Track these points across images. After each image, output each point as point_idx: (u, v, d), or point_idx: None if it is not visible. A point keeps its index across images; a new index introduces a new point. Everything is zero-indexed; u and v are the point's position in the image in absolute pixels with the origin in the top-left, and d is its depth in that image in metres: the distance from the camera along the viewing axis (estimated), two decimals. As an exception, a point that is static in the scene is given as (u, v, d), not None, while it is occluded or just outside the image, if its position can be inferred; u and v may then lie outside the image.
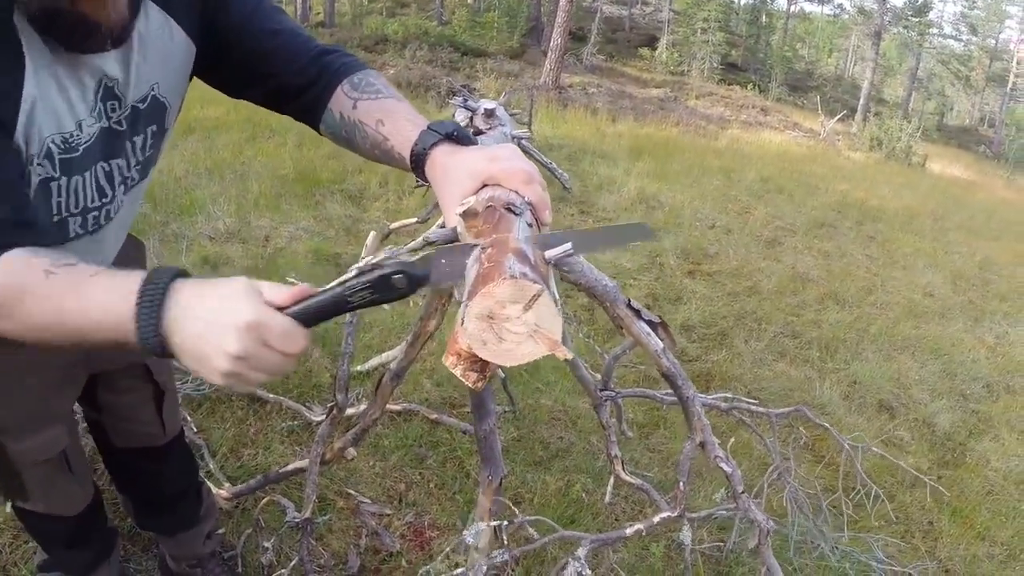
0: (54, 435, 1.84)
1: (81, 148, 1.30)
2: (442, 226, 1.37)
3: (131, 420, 2.11)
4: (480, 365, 0.92)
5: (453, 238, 1.15)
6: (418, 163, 1.26)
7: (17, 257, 1.05)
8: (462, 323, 0.89)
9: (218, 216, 5.99)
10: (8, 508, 2.07)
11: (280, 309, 0.97)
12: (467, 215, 1.07)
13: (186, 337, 0.95)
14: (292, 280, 3.39)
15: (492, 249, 0.96)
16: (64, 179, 1.30)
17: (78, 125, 1.28)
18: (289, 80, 1.42)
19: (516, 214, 1.07)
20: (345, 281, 0.98)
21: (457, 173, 1.18)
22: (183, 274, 1.00)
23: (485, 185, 1.15)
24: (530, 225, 1.08)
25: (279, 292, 0.98)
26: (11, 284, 1.03)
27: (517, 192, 1.14)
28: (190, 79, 1.50)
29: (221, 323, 0.94)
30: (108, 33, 1.18)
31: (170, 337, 0.96)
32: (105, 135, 1.34)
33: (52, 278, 1.02)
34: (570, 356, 0.90)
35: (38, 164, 1.24)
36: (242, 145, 8.34)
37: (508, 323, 0.88)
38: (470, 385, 0.93)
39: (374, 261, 1.00)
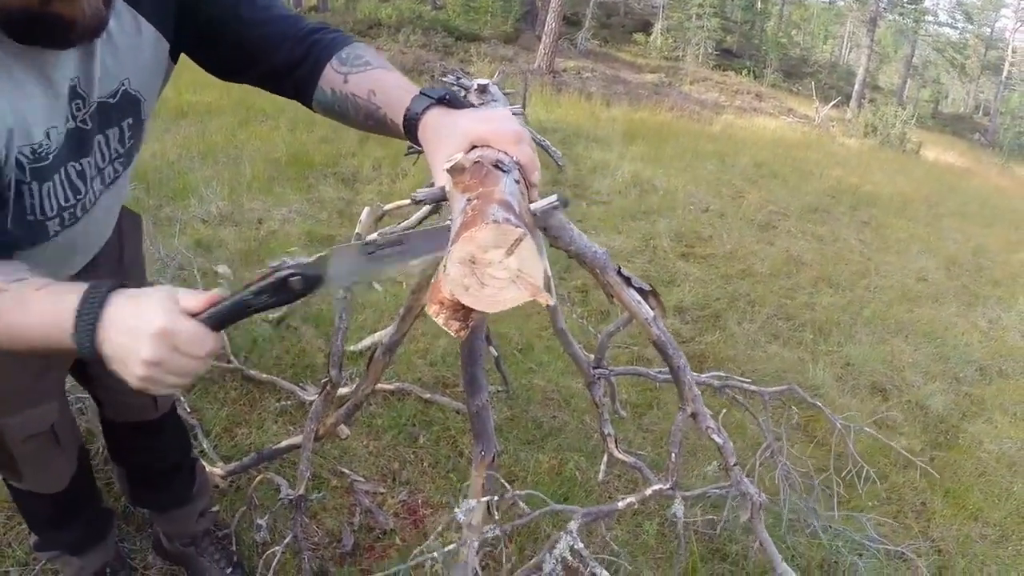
0: (45, 410, 1.85)
1: (51, 156, 1.29)
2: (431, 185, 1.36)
3: (123, 393, 2.11)
4: (463, 313, 0.91)
5: (442, 197, 1.14)
6: (411, 128, 1.26)
7: None
8: (444, 269, 0.89)
9: (211, 199, 5.97)
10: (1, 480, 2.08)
11: (195, 315, 1.04)
12: (454, 171, 1.07)
13: (112, 345, 1.03)
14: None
15: (477, 201, 0.96)
16: (35, 184, 1.30)
17: (46, 134, 1.27)
18: (279, 63, 1.41)
19: (504, 171, 1.06)
20: (249, 285, 1.04)
21: (448, 134, 1.18)
22: (122, 286, 1.08)
23: (475, 146, 1.15)
24: (517, 182, 1.07)
25: (193, 299, 1.05)
26: None
27: (506, 152, 1.13)
28: (168, 71, 1.50)
29: (137, 331, 1.02)
30: (84, 26, 1.16)
31: (101, 346, 1.04)
32: (72, 135, 1.33)
33: (3, 296, 1.09)
34: (552, 302, 0.90)
35: (8, 174, 1.24)
36: (235, 129, 8.31)
37: (490, 268, 0.88)
38: (452, 334, 0.93)
39: (274, 264, 1.04)
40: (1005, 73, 47.83)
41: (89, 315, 1.03)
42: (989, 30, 54.86)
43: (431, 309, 0.92)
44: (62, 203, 1.37)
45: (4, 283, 1.10)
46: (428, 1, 31.48)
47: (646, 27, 35.88)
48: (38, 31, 1.15)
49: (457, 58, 21.60)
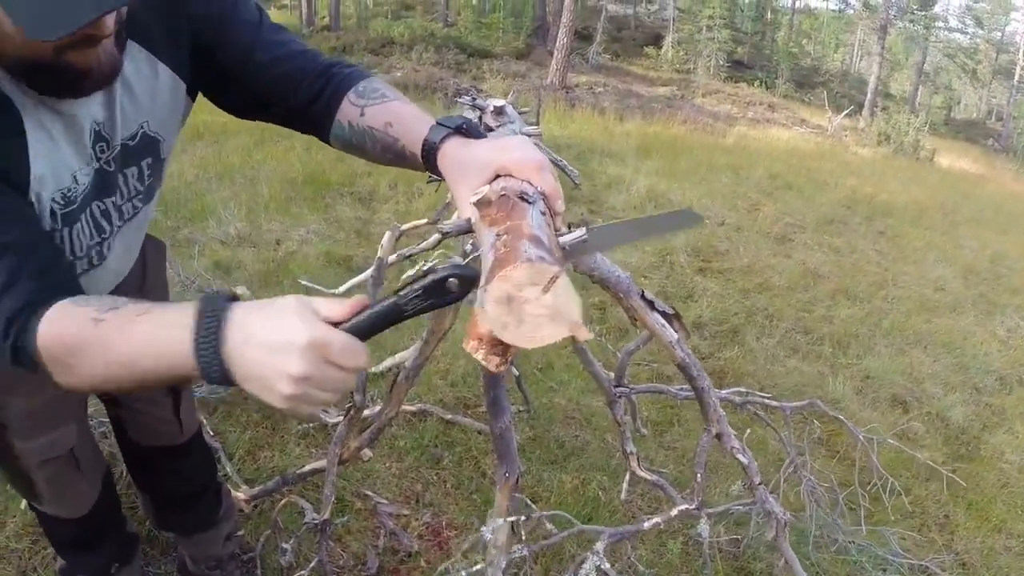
0: (62, 434, 1.86)
1: (79, 199, 1.32)
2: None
3: (149, 417, 2.13)
4: (502, 348, 0.91)
5: (468, 229, 1.15)
6: (429, 158, 1.26)
7: (62, 310, 1.05)
8: (482, 306, 0.88)
9: (229, 220, 6.01)
10: (23, 505, 2.09)
11: (336, 324, 0.95)
12: (481, 204, 1.07)
13: (247, 364, 0.93)
14: (305, 283, 3.40)
15: (507, 236, 0.96)
16: (65, 229, 1.32)
17: (74, 178, 1.29)
18: (295, 103, 1.43)
19: (529, 202, 1.07)
20: (399, 290, 0.96)
21: (469, 165, 1.19)
22: (233, 298, 0.99)
23: (498, 176, 1.15)
24: (543, 213, 1.08)
25: (334, 307, 0.96)
26: (62, 340, 1.04)
27: (529, 182, 1.13)
28: (187, 109, 1.51)
29: (281, 344, 0.91)
30: (100, 74, 1.18)
31: (231, 366, 0.94)
32: (97, 176, 1.36)
33: (101, 326, 1.01)
34: (590, 336, 0.90)
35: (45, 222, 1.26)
36: (251, 149, 8.37)
37: (527, 305, 0.87)
38: (492, 369, 0.93)
39: (426, 268, 1.00)
40: (1017, 77, 47.59)
41: (209, 331, 0.93)
42: (1000, 34, 54.62)
43: (470, 345, 0.92)
44: (89, 243, 1.40)
45: (99, 313, 1.02)
46: (440, 19, 31.63)
47: (657, 40, 35.95)
48: (54, 81, 1.17)
49: (470, 75, 21.70)
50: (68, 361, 1.04)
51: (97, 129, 1.31)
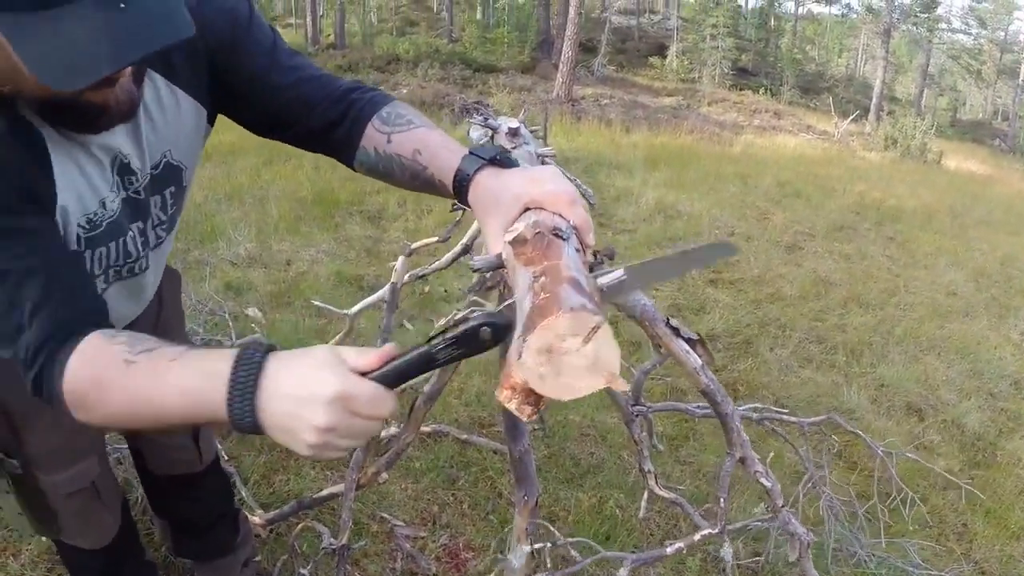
0: (86, 467, 1.85)
1: (104, 223, 1.32)
2: (467, 246, 1.35)
3: (168, 447, 2.13)
4: (535, 398, 0.90)
5: (499, 265, 1.14)
6: (461, 189, 1.25)
7: (93, 346, 1.06)
8: (519, 357, 0.86)
9: (239, 241, 6.04)
10: (43, 538, 2.09)
11: (364, 373, 0.96)
12: (516, 242, 1.05)
13: (275, 414, 0.95)
14: (317, 303, 3.40)
15: (545, 278, 0.94)
16: (88, 251, 1.33)
17: (101, 203, 1.30)
18: (314, 125, 1.42)
19: (563, 239, 1.05)
20: (431, 339, 0.96)
21: (500, 197, 1.17)
22: (272, 348, 1.00)
23: (528, 208, 1.14)
24: (577, 250, 1.06)
25: (363, 357, 0.97)
26: (92, 378, 1.05)
27: (561, 215, 1.12)
28: (206, 134, 1.53)
29: (308, 397, 0.93)
30: (118, 111, 1.19)
31: (260, 416, 0.96)
32: (128, 204, 1.37)
33: (132, 368, 1.02)
34: (627, 387, 0.89)
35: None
36: (260, 169, 8.40)
37: (567, 356, 0.85)
38: (524, 418, 0.91)
39: (458, 316, 0.99)
40: (1022, 77, 47.39)
41: (245, 386, 0.95)
42: (1003, 34, 54.52)
43: (503, 395, 0.91)
44: (111, 263, 1.40)
45: (131, 355, 1.03)
46: (444, 35, 31.73)
47: (661, 50, 35.99)
48: (73, 118, 1.18)
49: (476, 90, 21.76)
50: (92, 399, 1.05)
51: (125, 162, 1.33)
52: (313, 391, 0.93)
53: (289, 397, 0.94)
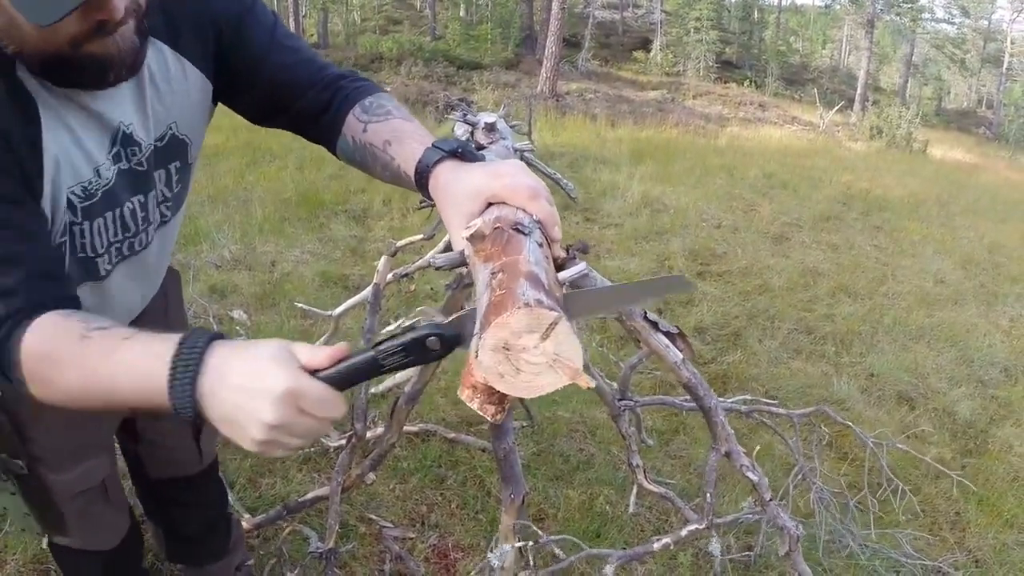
0: (95, 465, 1.82)
1: (100, 192, 1.30)
2: (448, 247, 1.33)
3: (169, 448, 2.10)
4: (498, 397, 0.88)
5: (461, 262, 1.11)
6: (422, 181, 1.23)
7: (50, 321, 1.05)
8: (476, 355, 0.84)
9: (223, 243, 6.00)
10: (44, 543, 2.05)
11: (315, 372, 0.95)
12: (474, 238, 1.02)
13: (221, 405, 0.93)
14: (301, 305, 3.37)
15: (503, 274, 0.91)
16: (86, 223, 1.31)
17: (95, 171, 1.28)
18: (306, 107, 1.42)
19: (525, 234, 1.02)
20: (379, 343, 0.95)
21: (460, 191, 1.15)
22: (218, 336, 0.98)
23: (491, 203, 1.12)
24: (540, 244, 1.03)
25: (315, 354, 0.96)
26: (46, 351, 1.04)
27: (524, 210, 1.10)
28: (211, 113, 1.52)
29: (256, 391, 0.91)
30: (121, 62, 1.16)
31: (205, 405, 0.94)
32: (127, 176, 1.35)
33: (86, 343, 1.01)
34: (593, 384, 0.86)
35: (62, 215, 1.25)
36: (243, 170, 8.36)
37: (525, 354, 0.83)
38: (488, 419, 0.89)
39: (407, 324, 0.97)
40: (1005, 65, 47.68)
41: (187, 368, 0.93)
42: (986, 23, 54.77)
43: (464, 394, 0.89)
44: (111, 239, 1.38)
45: (86, 329, 1.03)
46: (428, 32, 31.71)
47: (645, 44, 36.08)
48: (75, 74, 1.16)
49: (460, 87, 21.76)
50: (47, 374, 1.04)
51: (128, 131, 1.31)
52: (263, 385, 0.91)
53: (237, 388, 0.92)
